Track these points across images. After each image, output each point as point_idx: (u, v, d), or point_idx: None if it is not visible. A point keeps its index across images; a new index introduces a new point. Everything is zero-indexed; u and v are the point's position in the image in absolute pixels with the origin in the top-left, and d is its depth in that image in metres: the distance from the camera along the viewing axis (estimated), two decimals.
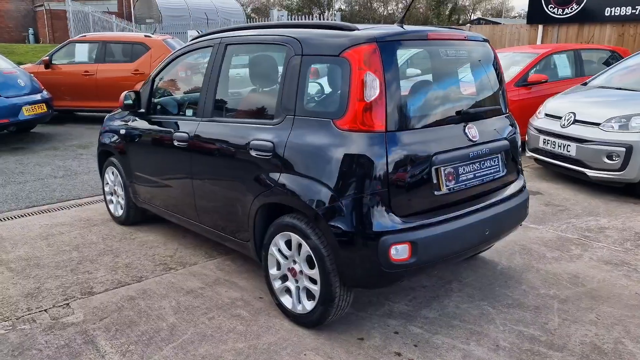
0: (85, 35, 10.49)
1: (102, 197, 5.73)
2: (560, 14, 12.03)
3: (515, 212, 3.23)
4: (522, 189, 3.38)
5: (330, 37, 2.85)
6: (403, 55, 2.94)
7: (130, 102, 4.15)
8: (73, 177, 6.58)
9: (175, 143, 3.72)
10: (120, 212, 4.79)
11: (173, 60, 4.04)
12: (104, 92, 9.99)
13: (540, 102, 6.88)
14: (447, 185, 2.85)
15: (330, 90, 2.91)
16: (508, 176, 3.28)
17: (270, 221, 3.12)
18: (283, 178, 2.91)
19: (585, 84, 6.84)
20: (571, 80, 7.72)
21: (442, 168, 2.82)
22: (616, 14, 10.99)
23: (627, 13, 10.82)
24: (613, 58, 8.51)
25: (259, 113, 3.30)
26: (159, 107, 4.20)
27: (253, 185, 3.11)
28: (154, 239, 4.45)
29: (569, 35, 11.93)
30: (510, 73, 7.71)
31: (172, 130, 3.82)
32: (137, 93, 4.17)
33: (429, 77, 2.93)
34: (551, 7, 12.25)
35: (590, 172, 5.55)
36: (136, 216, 4.72)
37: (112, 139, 4.64)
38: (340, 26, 2.89)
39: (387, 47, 2.72)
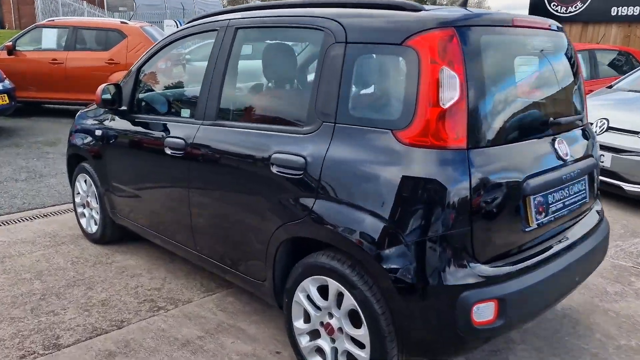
0: (53, 20, 9.50)
1: (71, 205, 4.91)
2: (563, 12, 11.53)
3: (600, 248, 2.59)
4: (602, 217, 2.74)
5: (388, 19, 2.14)
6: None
7: (109, 97, 3.35)
8: (37, 181, 5.71)
9: (167, 151, 2.96)
10: (94, 228, 3.99)
11: (163, 47, 3.26)
12: (74, 83, 9.06)
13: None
14: (537, 219, 2.18)
15: (389, 90, 2.19)
16: (590, 202, 2.63)
17: (296, 258, 2.41)
18: (319, 205, 2.19)
19: (610, 86, 6.28)
20: (587, 83, 7.17)
21: (532, 197, 2.14)
22: (623, 14, 10.53)
23: (634, 13, 10.37)
24: (625, 60, 8.02)
25: (283, 118, 2.56)
26: (144, 104, 3.42)
27: (275, 211, 2.38)
28: (136, 263, 3.67)
29: (572, 34, 11.43)
30: None
31: (163, 134, 3.05)
32: (118, 87, 3.38)
33: (511, 74, 2.25)
34: (554, 5, 11.75)
35: (628, 187, 4.97)
36: (113, 234, 3.93)
37: (86, 141, 3.84)
38: (401, 5, 2.17)
39: (468, 34, 2.02)
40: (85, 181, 4.00)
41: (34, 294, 3.21)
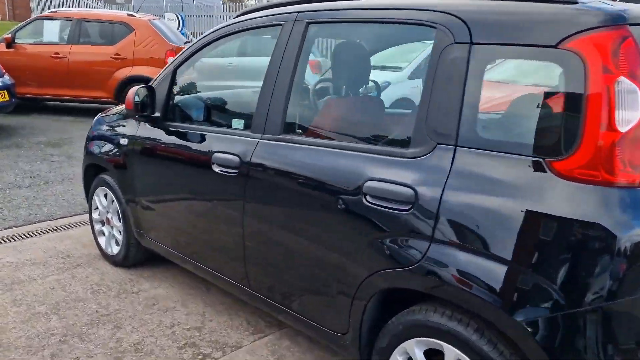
0: (56, 11, 8.94)
1: (83, 217, 4.43)
2: None
3: None
4: None
5: (534, 13, 1.66)
6: None
7: (143, 101, 2.85)
8: (43, 188, 5.20)
9: (215, 168, 2.48)
10: (115, 249, 3.50)
11: (207, 44, 2.76)
12: (78, 78, 8.53)
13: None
14: None
15: (538, 107, 1.71)
16: None
17: (391, 312, 1.93)
18: (437, 251, 1.71)
19: None
20: None
21: None
22: None
23: None
24: None
25: (378, 135, 2.08)
26: (182, 111, 2.93)
27: (367, 253, 1.90)
28: (167, 293, 3.18)
29: None
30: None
31: (209, 148, 2.56)
32: (151, 90, 2.88)
33: None
34: None
35: None
36: (137, 256, 3.44)
37: (107, 150, 3.34)
38: None
39: None
40: (105, 196, 3.50)
41: (53, 334, 2.71)
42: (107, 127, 3.41)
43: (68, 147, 6.87)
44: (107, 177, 3.40)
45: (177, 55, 2.91)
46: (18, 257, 3.64)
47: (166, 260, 3.32)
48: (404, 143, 1.89)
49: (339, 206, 1.97)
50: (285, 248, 2.24)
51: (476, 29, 1.73)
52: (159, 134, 2.91)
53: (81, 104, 9.27)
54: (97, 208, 3.63)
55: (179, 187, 2.80)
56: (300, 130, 2.32)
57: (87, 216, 4.45)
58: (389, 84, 5.14)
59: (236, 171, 2.39)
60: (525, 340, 1.55)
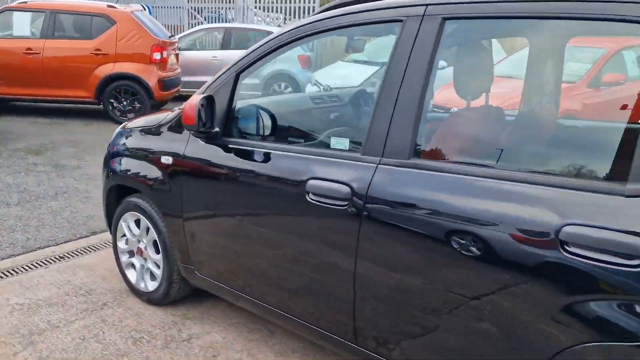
0: (26, 2, 8.11)
1: (90, 239, 3.88)
2: None
3: None
4: None
5: None
6: None
7: (205, 115, 2.32)
8: (35, 205, 4.56)
9: (312, 198, 2.00)
10: (150, 285, 2.97)
11: (284, 45, 2.26)
12: (54, 76, 7.80)
13: (615, 106, 5.64)
14: None
15: None
16: None
17: None
18: None
19: None
20: None
21: None
22: None
23: None
24: None
25: (572, 164, 1.65)
26: (251, 125, 2.41)
27: (566, 319, 1.48)
28: (224, 339, 2.68)
29: None
30: (574, 71, 6.42)
31: (300, 173, 2.07)
32: (211, 100, 2.35)
33: None
34: None
35: None
36: (180, 293, 2.92)
37: (141, 170, 2.80)
38: None
39: None
40: (137, 222, 2.96)
41: None
42: (139, 142, 2.86)
43: (52, 154, 6.18)
44: (140, 201, 2.86)
45: (241, 57, 2.40)
46: (29, 297, 3.05)
47: (206, 293, 2.83)
48: (615, 176, 1.47)
49: (521, 256, 1.54)
50: (423, 304, 1.79)
51: None
52: (220, 153, 2.40)
53: (58, 104, 8.48)
54: (123, 236, 3.08)
55: (253, 218, 2.30)
56: (442, 153, 1.87)
57: (94, 240, 3.91)
58: None
59: (345, 203, 1.92)
60: None
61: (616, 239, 1.39)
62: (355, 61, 8.03)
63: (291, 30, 2.23)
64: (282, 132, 2.43)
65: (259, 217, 2.28)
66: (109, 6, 7.98)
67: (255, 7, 15.69)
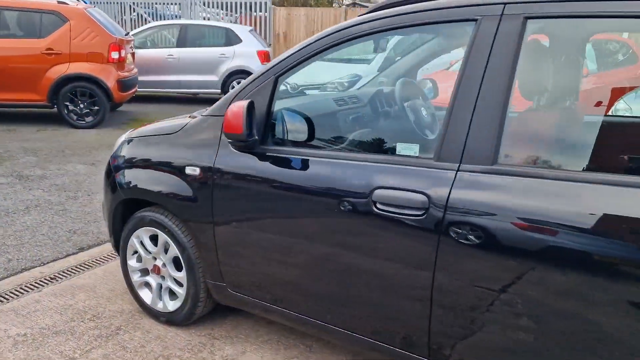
0: None
1: (78, 256, 3.62)
2: None
3: None
4: None
5: None
6: None
7: (248, 122, 2.14)
8: (7, 221, 4.18)
9: (381, 209, 1.89)
10: (170, 305, 2.75)
11: (332, 46, 2.12)
12: (1, 79, 7.20)
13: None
14: None
15: None
16: None
17: None
18: None
19: None
20: None
21: None
22: None
23: None
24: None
25: None
26: (291, 132, 2.26)
27: None
28: (261, 359, 2.52)
29: None
30: None
31: (365, 182, 1.95)
32: (251, 106, 2.18)
33: None
34: None
35: None
36: (205, 311, 2.74)
37: (159, 182, 2.58)
38: None
39: None
40: (152, 238, 2.74)
41: None
42: (155, 152, 2.64)
43: (12, 165, 5.71)
44: (158, 215, 2.64)
45: (279, 59, 2.24)
46: (28, 325, 2.77)
47: (227, 309, 2.68)
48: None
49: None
50: (516, 321, 1.72)
51: None
52: (259, 162, 2.24)
53: (7, 109, 7.87)
54: (135, 253, 2.85)
55: (303, 230, 2.16)
56: (526, 158, 1.80)
57: (84, 256, 3.65)
58: (360, 77, 4.69)
59: (422, 212, 1.82)
60: None
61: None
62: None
63: (340, 30, 2.10)
64: (333, 138, 2.30)
65: (310, 228, 2.14)
66: (59, 3, 7.45)
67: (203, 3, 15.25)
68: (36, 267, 3.47)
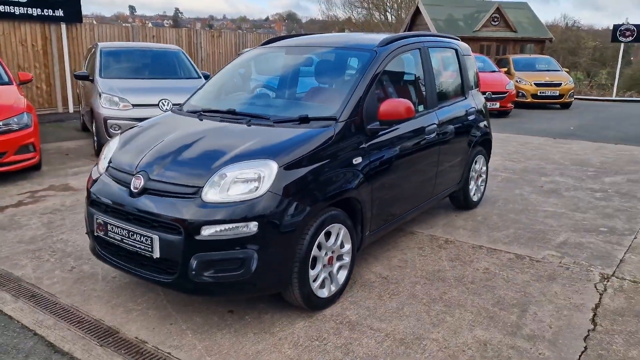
0: None
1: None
2: None
3: None
4: None
5: None
6: None
7: None
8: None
9: None
10: (325, 291, 3.07)
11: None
12: None
13: None
14: None
15: None
16: None
17: None
18: None
19: None
20: None
21: None
22: None
23: None
24: None
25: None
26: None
27: None
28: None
29: None
30: None
31: None
32: None
33: None
34: None
35: None
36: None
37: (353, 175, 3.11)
38: None
39: None
40: (330, 235, 3.04)
41: None
42: (306, 155, 2.89)
43: None
44: (340, 212, 3.05)
45: None
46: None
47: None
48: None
49: None
50: None
51: None
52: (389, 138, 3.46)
53: None
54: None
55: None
56: None
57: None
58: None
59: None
60: None
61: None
62: None
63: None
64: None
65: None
66: None
67: None
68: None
